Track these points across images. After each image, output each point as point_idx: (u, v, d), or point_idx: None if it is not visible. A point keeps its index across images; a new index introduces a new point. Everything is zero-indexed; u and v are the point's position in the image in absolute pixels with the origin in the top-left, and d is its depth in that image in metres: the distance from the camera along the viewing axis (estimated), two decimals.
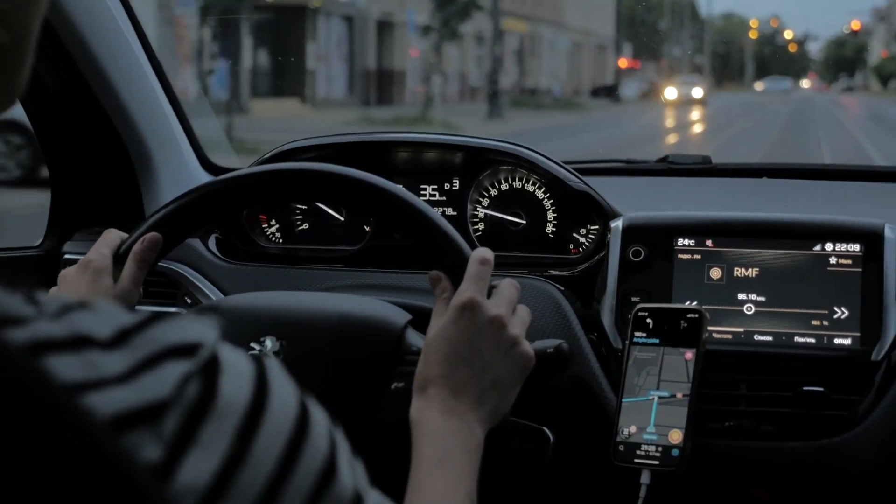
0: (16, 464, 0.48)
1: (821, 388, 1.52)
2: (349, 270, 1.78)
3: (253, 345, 1.28)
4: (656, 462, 1.43)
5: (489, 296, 1.11)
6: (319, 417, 0.62)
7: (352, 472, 0.64)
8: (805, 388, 1.53)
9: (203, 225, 1.48)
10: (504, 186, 1.87)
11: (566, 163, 1.85)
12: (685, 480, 1.45)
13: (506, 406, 1.10)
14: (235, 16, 22.44)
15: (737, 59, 66.73)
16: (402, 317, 1.35)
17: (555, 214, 1.84)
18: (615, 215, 1.73)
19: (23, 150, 10.62)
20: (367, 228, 1.88)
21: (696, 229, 1.64)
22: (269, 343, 1.29)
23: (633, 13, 45.96)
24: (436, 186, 1.89)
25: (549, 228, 1.84)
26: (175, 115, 1.96)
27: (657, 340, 1.48)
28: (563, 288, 1.67)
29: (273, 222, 1.94)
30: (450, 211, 1.87)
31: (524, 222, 1.86)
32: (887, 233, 1.59)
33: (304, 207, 1.93)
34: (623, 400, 1.47)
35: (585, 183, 1.79)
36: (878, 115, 32.08)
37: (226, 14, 22.16)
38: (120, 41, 1.81)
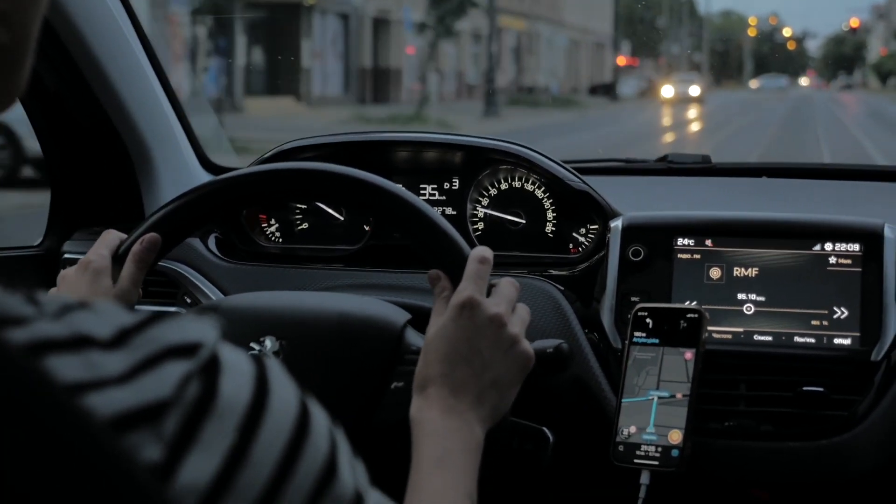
0: (16, 464, 0.48)
1: (820, 389, 1.52)
2: (349, 270, 1.78)
3: (253, 345, 1.28)
4: (656, 462, 1.43)
5: (488, 295, 1.10)
6: (320, 417, 0.62)
7: (352, 471, 0.64)
8: (805, 388, 1.52)
9: (203, 225, 1.47)
10: (504, 186, 1.87)
11: (566, 162, 1.85)
12: (685, 481, 1.45)
13: (505, 405, 1.10)
14: (229, 14, 22.36)
15: (735, 57, 66.70)
16: (401, 316, 1.35)
17: (554, 214, 1.84)
18: (615, 215, 1.72)
19: (4, 150, 10.45)
20: (367, 228, 1.88)
21: (696, 229, 1.64)
22: (269, 343, 1.29)
23: (632, 11, 45.91)
24: (435, 186, 1.89)
25: (549, 228, 1.84)
26: (175, 114, 1.96)
27: (657, 340, 1.48)
28: (562, 287, 1.67)
29: (273, 222, 1.94)
30: (449, 210, 1.87)
31: (524, 222, 1.86)
32: (887, 232, 1.59)
33: (303, 207, 1.93)
34: (623, 400, 1.47)
35: (585, 182, 1.79)
36: (877, 112, 32.05)
37: (220, 12, 22.08)
38: (120, 41, 1.81)
